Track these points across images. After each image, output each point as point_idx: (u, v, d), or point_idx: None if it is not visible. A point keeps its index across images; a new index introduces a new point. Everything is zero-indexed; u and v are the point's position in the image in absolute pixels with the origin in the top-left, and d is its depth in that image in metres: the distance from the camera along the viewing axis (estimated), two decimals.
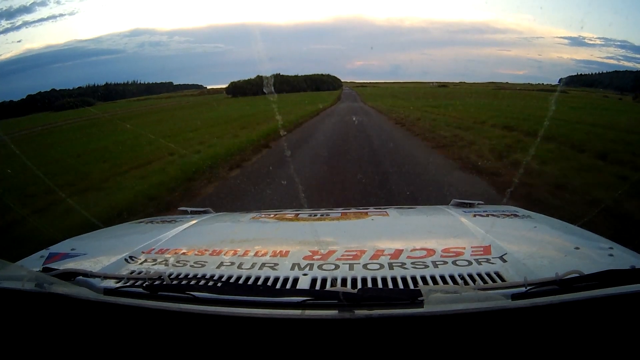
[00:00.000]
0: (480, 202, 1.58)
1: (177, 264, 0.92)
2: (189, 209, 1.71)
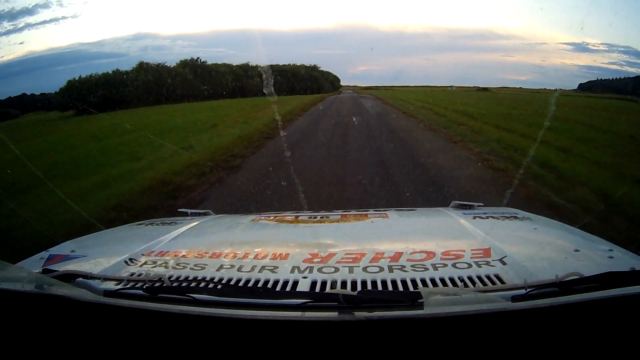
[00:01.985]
0: (480, 203, 1.59)
1: (177, 267, 0.92)
2: (188, 211, 1.71)
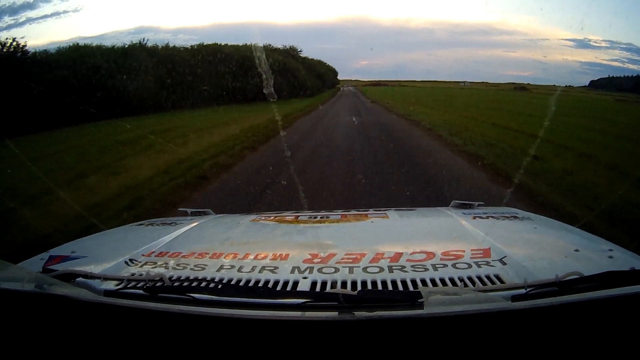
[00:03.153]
0: (481, 202, 1.59)
1: (177, 267, 0.92)
2: (189, 210, 1.71)
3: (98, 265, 0.96)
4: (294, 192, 4.46)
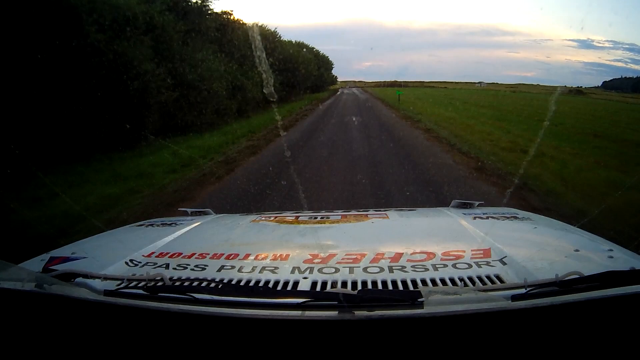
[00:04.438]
0: (481, 202, 1.59)
1: (178, 268, 0.92)
2: (189, 210, 1.72)
3: (98, 266, 0.96)
4: None
